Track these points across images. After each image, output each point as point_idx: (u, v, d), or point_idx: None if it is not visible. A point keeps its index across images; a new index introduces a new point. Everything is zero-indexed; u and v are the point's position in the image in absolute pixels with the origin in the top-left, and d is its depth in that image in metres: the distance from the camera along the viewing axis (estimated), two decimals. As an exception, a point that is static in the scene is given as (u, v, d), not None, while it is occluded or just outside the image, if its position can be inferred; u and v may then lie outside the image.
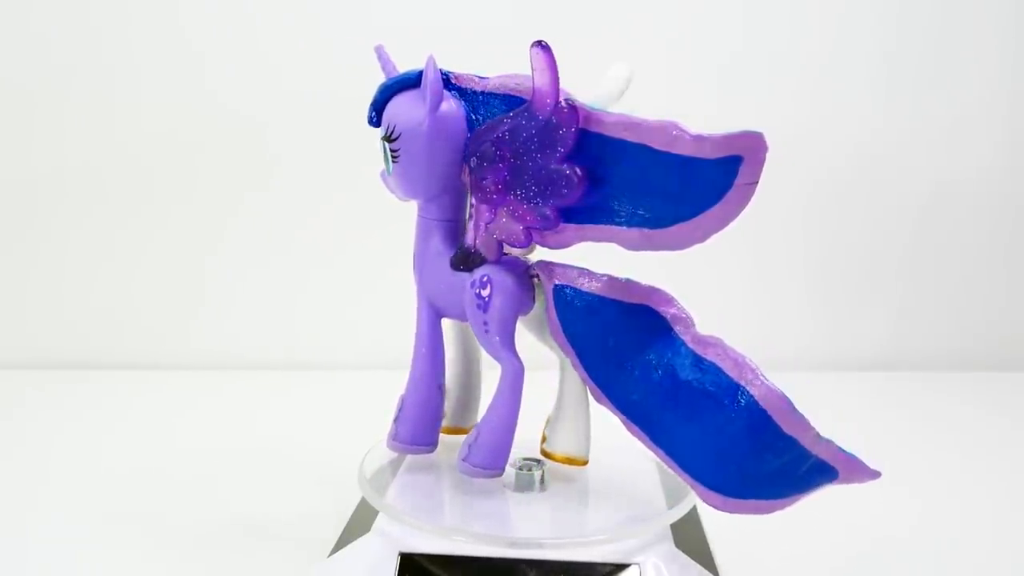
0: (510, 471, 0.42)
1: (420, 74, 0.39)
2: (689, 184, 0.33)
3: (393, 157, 0.40)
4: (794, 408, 0.34)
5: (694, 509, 0.43)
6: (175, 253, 0.84)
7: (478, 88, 0.39)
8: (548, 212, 0.37)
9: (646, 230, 0.35)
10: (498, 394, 0.40)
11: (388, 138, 0.39)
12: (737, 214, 0.33)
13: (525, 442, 0.43)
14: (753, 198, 0.33)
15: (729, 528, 0.40)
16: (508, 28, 0.80)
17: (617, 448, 0.42)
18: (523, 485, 0.42)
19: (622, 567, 0.37)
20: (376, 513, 0.41)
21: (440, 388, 0.43)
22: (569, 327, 0.39)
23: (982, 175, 0.86)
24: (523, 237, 0.38)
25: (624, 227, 0.36)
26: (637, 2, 0.82)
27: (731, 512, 0.36)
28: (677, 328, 0.37)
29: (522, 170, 0.37)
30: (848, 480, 0.35)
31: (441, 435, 0.44)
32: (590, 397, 0.40)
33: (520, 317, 0.40)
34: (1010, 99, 0.85)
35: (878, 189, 0.86)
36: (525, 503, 0.41)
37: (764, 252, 0.86)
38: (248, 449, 0.62)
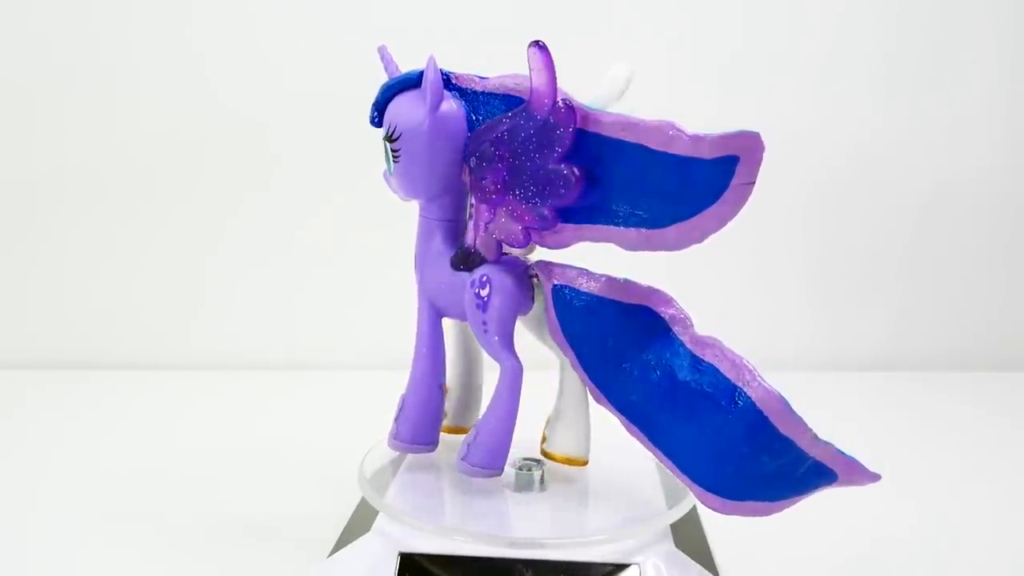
0: (510, 471, 0.42)
1: (421, 74, 0.39)
2: (686, 184, 0.33)
3: (394, 157, 0.40)
4: (791, 410, 0.34)
5: (694, 509, 0.43)
6: (175, 253, 0.84)
7: (478, 88, 0.39)
8: (546, 212, 0.37)
9: (644, 230, 0.35)
10: (497, 394, 0.40)
11: (389, 138, 0.39)
12: (734, 214, 0.33)
13: (525, 442, 0.43)
14: (753, 198, 0.33)
15: (729, 528, 0.40)
16: (508, 28, 0.80)
17: (617, 448, 0.42)
18: (523, 485, 0.42)
19: (622, 567, 0.37)
20: (376, 513, 0.41)
21: (440, 388, 0.43)
22: (568, 327, 0.39)
23: (982, 175, 0.86)
24: (522, 237, 0.38)
25: (622, 227, 0.36)
26: (637, 2, 0.82)
27: (729, 514, 0.36)
28: (676, 329, 0.37)
29: (521, 170, 0.37)
30: (847, 483, 0.35)
31: (442, 434, 0.44)
32: (590, 397, 0.40)
33: (520, 317, 0.40)
34: (1010, 99, 0.85)
35: (878, 189, 0.86)
36: (525, 503, 0.41)
37: (764, 252, 0.86)
38: (248, 449, 0.62)
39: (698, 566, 0.39)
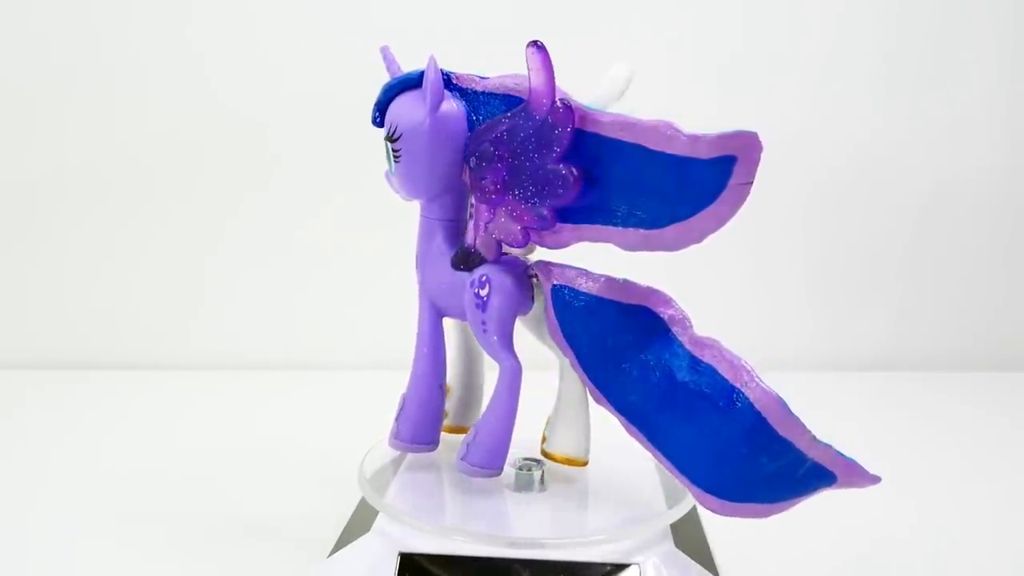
0: (510, 471, 0.42)
1: (422, 74, 0.39)
2: (684, 184, 0.33)
3: (395, 157, 0.40)
4: (789, 411, 0.34)
5: (694, 509, 0.43)
6: (175, 253, 0.84)
7: (478, 88, 0.39)
8: (545, 212, 0.37)
9: (642, 231, 0.35)
10: (496, 394, 0.40)
11: (390, 138, 0.39)
12: (732, 214, 0.33)
13: (525, 442, 0.43)
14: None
15: (729, 528, 0.40)
16: (508, 28, 0.80)
17: (617, 448, 0.42)
18: (523, 485, 0.42)
19: (622, 567, 0.37)
20: (376, 513, 0.41)
21: (441, 387, 0.43)
22: (567, 327, 0.39)
23: (982, 175, 0.86)
24: (521, 237, 0.38)
25: (621, 227, 0.36)
26: (637, 2, 0.82)
27: (727, 515, 0.36)
28: (675, 329, 0.37)
29: (520, 170, 0.37)
30: (847, 485, 0.35)
31: (443, 434, 0.44)
32: (590, 398, 0.40)
33: (519, 317, 0.40)
34: (1010, 99, 0.85)
35: (878, 189, 0.86)
36: (525, 503, 0.41)
37: (764, 252, 0.86)
38: (248, 449, 0.62)
39: (698, 566, 0.39)
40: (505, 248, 0.40)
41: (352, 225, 0.83)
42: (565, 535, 0.38)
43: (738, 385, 0.34)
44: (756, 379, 0.34)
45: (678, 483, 0.38)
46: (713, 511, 0.36)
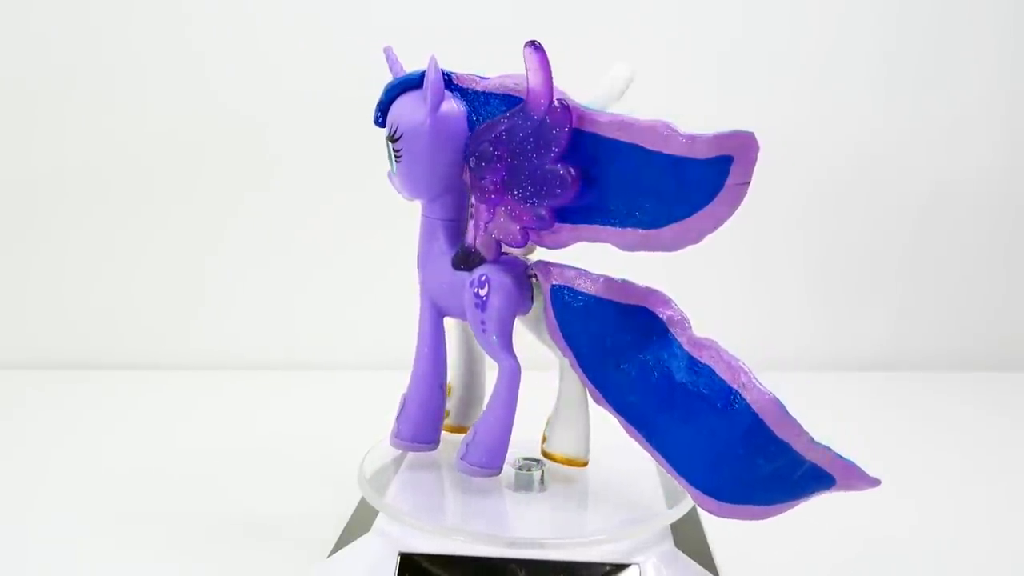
0: (510, 471, 0.42)
1: (423, 75, 0.39)
2: (682, 184, 0.33)
3: (396, 157, 0.40)
4: (786, 413, 0.34)
5: (694, 509, 0.43)
6: (175, 253, 0.84)
7: (479, 88, 0.39)
8: (543, 212, 0.37)
9: (641, 231, 0.35)
10: (495, 393, 0.40)
11: (391, 138, 0.40)
12: (730, 215, 0.33)
13: (525, 442, 0.43)
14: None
15: (729, 528, 0.40)
16: (508, 28, 0.80)
17: (617, 448, 0.42)
18: (523, 485, 0.42)
19: (622, 567, 0.37)
20: (376, 513, 0.41)
21: (442, 387, 0.43)
22: (567, 328, 0.39)
23: (982, 175, 0.86)
24: (520, 237, 0.38)
25: (619, 228, 0.36)
26: (637, 2, 0.82)
27: (725, 517, 0.36)
28: (673, 330, 0.37)
29: (519, 170, 0.37)
30: (847, 487, 0.34)
31: (444, 433, 0.44)
32: (590, 398, 0.40)
33: (519, 317, 0.40)
34: (1010, 99, 0.86)
35: (878, 189, 0.86)
36: (525, 503, 0.41)
37: (764, 252, 0.86)
38: (248, 449, 0.62)
39: (698, 566, 0.39)
40: (505, 248, 0.40)
41: (352, 225, 0.83)
42: (565, 535, 0.38)
43: (735, 386, 0.34)
44: (754, 380, 0.34)
45: (678, 483, 0.38)
46: (711, 512, 0.36)
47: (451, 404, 0.45)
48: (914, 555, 0.48)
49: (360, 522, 0.42)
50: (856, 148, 0.85)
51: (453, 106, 0.39)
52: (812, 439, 0.34)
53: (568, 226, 0.37)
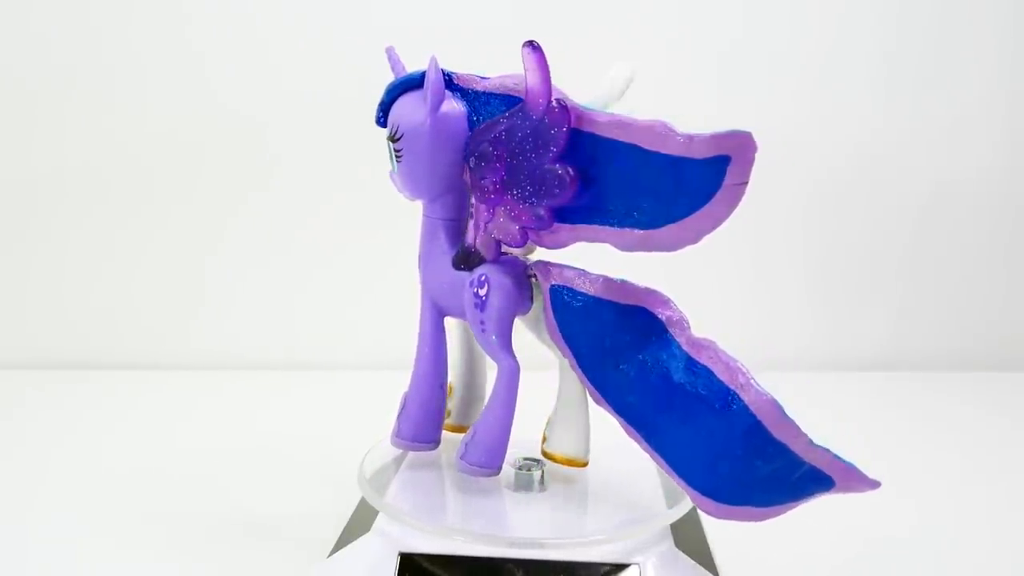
0: (510, 471, 0.42)
1: (424, 75, 0.39)
2: (680, 184, 0.33)
3: (397, 157, 0.40)
4: (785, 414, 0.33)
5: (694, 509, 0.43)
6: (175, 253, 0.84)
7: (479, 88, 0.39)
8: (542, 212, 0.37)
9: (639, 231, 0.35)
10: (494, 393, 0.40)
11: (392, 138, 0.40)
12: (728, 215, 0.33)
13: (525, 442, 0.43)
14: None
15: (729, 528, 0.40)
16: (508, 28, 0.80)
17: (617, 449, 0.42)
18: (523, 485, 0.42)
19: (622, 567, 0.37)
20: (376, 513, 0.41)
21: (442, 387, 0.43)
22: (566, 328, 0.39)
23: (982, 175, 0.86)
24: (519, 237, 0.38)
25: (617, 228, 0.36)
26: (637, 2, 0.82)
27: (723, 518, 0.36)
28: (672, 330, 0.37)
29: (518, 170, 0.37)
30: (846, 489, 0.34)
31: (444, 433, 0.44)
32: (589, 398, 0.40)
33: (519, 317, 0.40)
34: (1010, 99, 0.86)
35: (878, 189, 0.86)
36: (525, 503, 0.41)
37: (764, 252, 0.86)
38: (248, 449, 0.62)
39: (698, 566, 0.39)
40: (505, 248, 0.40)
41: (352, 225, 0.83)
42: (565, 535, 0.38)
43: (734, 387, 0.34)
44: (752, 382, 0.34)
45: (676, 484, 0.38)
46: (709, 513, 0.36)
47: (452, 404, 0.45)
48: (914, 555, 0.48)
49: (360, 522, 0.42)
50: (856, 148, 0.85)
51: (453, 106, 0.39)
52: (811, 441, 0.34)
53: (567, 226, 0.37)
